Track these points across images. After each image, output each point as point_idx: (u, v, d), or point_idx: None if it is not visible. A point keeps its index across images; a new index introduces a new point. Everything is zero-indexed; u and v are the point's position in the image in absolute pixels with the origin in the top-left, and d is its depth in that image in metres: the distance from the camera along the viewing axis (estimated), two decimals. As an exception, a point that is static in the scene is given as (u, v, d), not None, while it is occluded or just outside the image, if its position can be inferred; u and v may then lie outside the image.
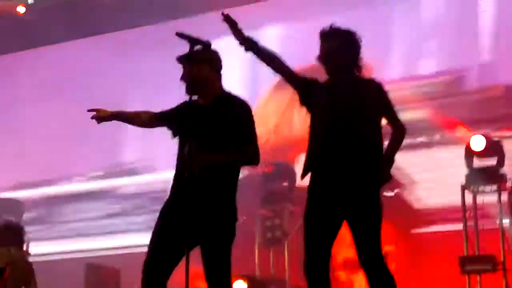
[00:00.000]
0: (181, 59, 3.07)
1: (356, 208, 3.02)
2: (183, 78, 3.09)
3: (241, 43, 3.18)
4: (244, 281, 5.45)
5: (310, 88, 3.22)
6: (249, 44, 3.19)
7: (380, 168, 3.09)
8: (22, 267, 4.62)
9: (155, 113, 3.33)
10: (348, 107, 3.08)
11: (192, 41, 2.91)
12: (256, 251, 6.39)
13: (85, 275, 5.86)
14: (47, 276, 5.48)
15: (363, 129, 3.07)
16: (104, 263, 6.33)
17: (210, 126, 3.05)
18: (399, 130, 3.16)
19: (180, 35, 2.87)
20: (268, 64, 3.27)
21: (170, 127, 3.23)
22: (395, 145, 3.14)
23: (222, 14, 3.17)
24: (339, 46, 3.10)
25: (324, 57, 3.13)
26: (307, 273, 3.07)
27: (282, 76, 3.29)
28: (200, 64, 3.06)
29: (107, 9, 7.65)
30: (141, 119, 3.38)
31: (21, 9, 8.05)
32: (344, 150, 3.03)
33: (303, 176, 3.18)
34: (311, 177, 3.14)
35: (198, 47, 2.97)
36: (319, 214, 3.06)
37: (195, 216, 2.95)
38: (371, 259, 2.98)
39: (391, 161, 3.12)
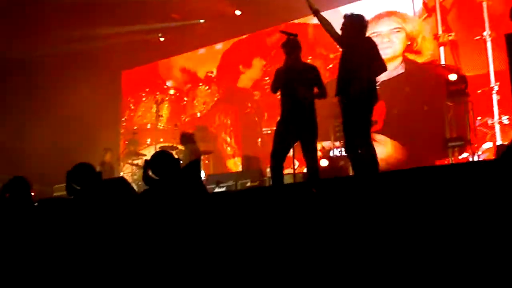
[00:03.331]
0: (285, 45, 4.10)
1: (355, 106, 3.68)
2: (288, 55, 4.10)
3: (311, 9, 4.04)
4: (327, 159, 6.95)
5: (343, 43, 4.01)
6: (315, 11, 4.04)
7: None
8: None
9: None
10: (353, 61, 3.78)
11: (289, 34, 4.12)
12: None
13: (242, 160, 7.85)
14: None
15: (362, 71, 3.67)
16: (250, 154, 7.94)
17: (302, 77, 4.01)
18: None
19: (282, 31, 4.12)
20: (322, 25, 3.99)
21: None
22: None
23: None
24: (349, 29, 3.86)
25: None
26: (346, 152, 3.95)
27: (329, 34, 3.96)
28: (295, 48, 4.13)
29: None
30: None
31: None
32: (348, 81, 3.73)
33: (336, 93, 3.84)
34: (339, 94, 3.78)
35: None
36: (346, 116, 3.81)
37: (297, 124, 3.92)
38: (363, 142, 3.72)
39: None
